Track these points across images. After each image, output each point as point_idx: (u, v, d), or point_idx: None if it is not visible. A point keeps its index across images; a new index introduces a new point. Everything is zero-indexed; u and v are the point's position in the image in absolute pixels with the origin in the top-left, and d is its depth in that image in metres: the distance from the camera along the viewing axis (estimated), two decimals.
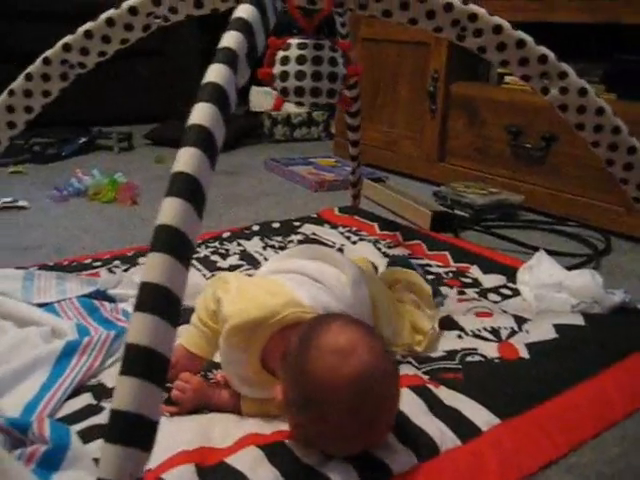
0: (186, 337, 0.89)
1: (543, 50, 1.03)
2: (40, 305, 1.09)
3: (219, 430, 0.81)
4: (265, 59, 0.97)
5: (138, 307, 0.54)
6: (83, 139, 2.40)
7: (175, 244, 0.57)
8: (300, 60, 0.95)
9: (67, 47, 1.05)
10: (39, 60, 1.06)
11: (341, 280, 0.91)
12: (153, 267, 0.55)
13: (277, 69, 0.96)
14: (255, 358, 0.81)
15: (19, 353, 0.91)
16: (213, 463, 0.74)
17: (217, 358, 0.99)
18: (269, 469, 0.73)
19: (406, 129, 2.25)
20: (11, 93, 1.08)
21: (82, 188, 1.88)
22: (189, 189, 0.59)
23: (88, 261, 1.33)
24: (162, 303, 0.55)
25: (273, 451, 0.76)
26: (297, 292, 0.83)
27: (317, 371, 0.71)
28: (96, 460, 0.69)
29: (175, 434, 0.78)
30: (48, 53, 1.06)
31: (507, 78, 2.01)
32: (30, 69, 1.07)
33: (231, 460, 0.74)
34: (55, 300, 1.11)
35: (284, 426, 0.82)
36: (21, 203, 1.76)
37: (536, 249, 1.54)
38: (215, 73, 0.64)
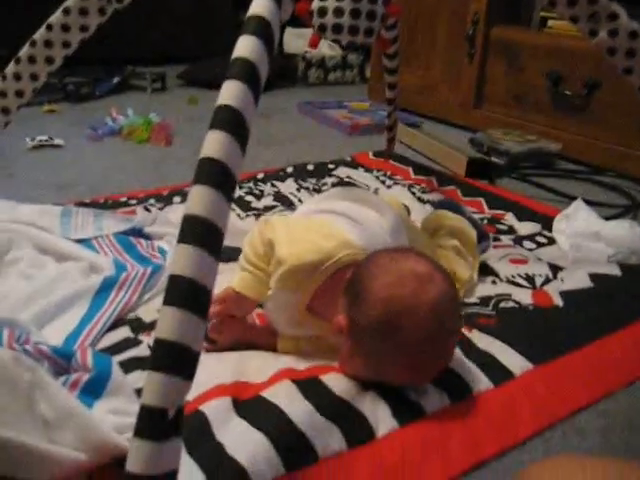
0: (237, 280, 0.87)
1: None
2: (78, 241, 1.10)
3: (254, 366, 0.82)
4: None
5: (181, 239, 0.54)
6: (117, 79, 2.39)
7: (219, 177, 0.57)
8: None
9: None
10: None
11: (382, 225, 0.91)
12: (196, 200, 0.55)
13: (315, 4, 0.94)
14: (306, 299, 0.81)
15: (59, 287, 0.92)
16: (249, 397, 0.75)
17: None
18: (304, 403, 0.74)
19: (443, 73, 2.21)
20: (49, 27, 1.07)
21: (116, 127, 1.88)
22: (233, 122, 0.58)
23: (124, 199, 1.34)
24: (205, 235, 0.55)
25: (308, 386, 0.77)
26: (348, 233, 0.83)
27: (398, 296, 0.73)
28: (137, 390, 0.71)
29: (211, 369, 0.80)
30: None
31: (550, 22, 1.95)
32: (67, 3, 1.06)
33: (266, 394, 0.75)
34: (92, 236, 1.12)
35: (318, 363, 0.83)
36: (57, 141, 1.77)
37: (573, 198, 1.51)
38: (259, 6, 0.63)
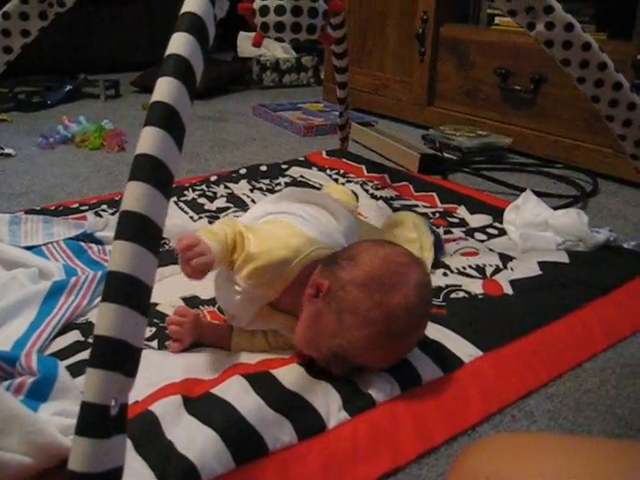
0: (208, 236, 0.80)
1: None
2: (27, 248, 1.09)
3: (206, 363, 0.82)
4: None
5: (118, 235, 0.54)
6: (69, 87, 2.36)
7: (154, 173, 0.57)
8: None
9: None
10: None
11: (337, 227, 0.93)
12: (132, 196, 0.55)
13: (257, 4, 0.95)
14: (276, 295, 0.82)
15: (7, 293, 0.91)
16: (199, 394, 0.75)
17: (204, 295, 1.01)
18: (254, 397, 0.74)
19: (395, 73, 2.23)
20: None
21: (69, 135, 1.86)
22: (168, 118, 0.58)
23: (75, 205, 1.33)
24: (142, 231, 0.55)
25: (258, 379, 0.77)
26: (309, 232, 0.85)
27: (391, 261, 0.77)
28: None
29: (161, 368, 0.80)
30: None
31: (497, 19, 1.98)
32: (7, 7, 1.05)
33: (217, 390, 0.75)
34: (42, 243, 1.11)
35: (270, 356, 0.84)
36: (7, 151, 1.74)
37: (524, 190, 1.55)
38: (192, 3, 0.63)
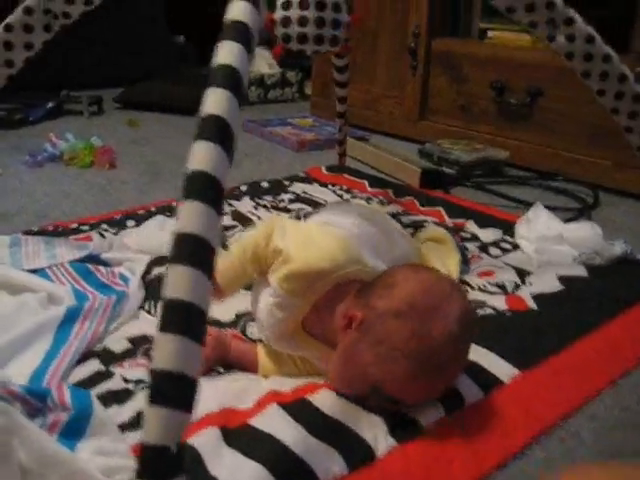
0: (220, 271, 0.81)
1: None
2: (31, 271, 1.03)
3: (238, 390, 0.78)
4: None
5: (174, 259, 0.50)
6: (51, 104, 2.30)
7: (209, 191, 0.53)
8: (303, 5, 0.90)
9: None
10: (20, 9, 0.99)
11: (386, 249, 0.88)
12: (189, 216, 0.51)
13: (278, 14, 0.92)
14: (306, 309, 0.78)
15: (18, 321, 0.86)
16: (237, 425, 0.71)
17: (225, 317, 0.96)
18: (296, 427, 0.70)
19: (387, 87, 2.21)
20: None
21: (57, 153, 1.80)
22: (220, 132, 0.55)
23: (74, 225, 1.28)
24: (198, 253, 0.51)
25: (297, 408, 0.73)
26: (361, 249, 0.80)
27: (431, 289, 0.72)
28: (120, 427, 0.66)
29: None
30: (29, 2, 0.99)
31: (490, 33, 1.98)
32: (10, 19, 1.00)
33: (255, 421, 0.71)
34: (46, 265, 1.06)
35: (302, 382, 0.80)
36: None
37: (527, 204, 1.54)
38: (238, 9, 0.59)
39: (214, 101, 0.55)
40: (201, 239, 0.51)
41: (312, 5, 0.88)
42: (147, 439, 0.47)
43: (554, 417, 0.79)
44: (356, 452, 0.68)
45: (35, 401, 0.63)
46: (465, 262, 1.14)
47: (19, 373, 0.77)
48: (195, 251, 0.51)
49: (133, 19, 2.89)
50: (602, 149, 1.70)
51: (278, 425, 0.70)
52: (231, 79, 0.57)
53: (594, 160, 1.72)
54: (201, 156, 0.54)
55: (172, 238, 0.51)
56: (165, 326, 0.49)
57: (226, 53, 0.58)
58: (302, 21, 0.88)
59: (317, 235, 0.80)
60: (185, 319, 0.50)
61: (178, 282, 0.50)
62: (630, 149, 1.61)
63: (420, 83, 2.10)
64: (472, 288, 1.09)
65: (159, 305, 0.50)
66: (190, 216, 0.52)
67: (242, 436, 0.69)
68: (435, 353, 0.69)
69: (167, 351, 0.48)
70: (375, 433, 0.71)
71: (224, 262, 0.82)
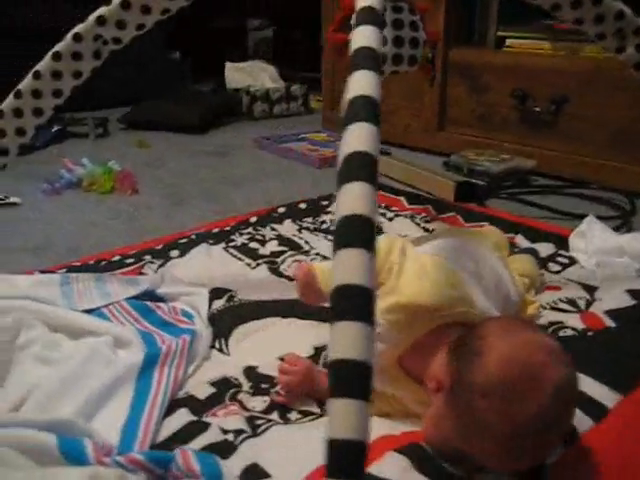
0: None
1: (620, 6, 0.97)
2: (86, 311, 0.98)
3: None
4: (335, 22, 0.87)
5: (340, 316, 0.45)
6: (56, 127, 2.23)
7: (368, 235, 0.48)
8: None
9: (101, 20, 0.93)
10: (69, 36, 0.94)
11: (493, 290, 0.84)
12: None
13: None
14: (406, 345, 0.73)
15: (93, 370, 0.80)
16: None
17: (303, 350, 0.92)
18: (418, 476, 0.66)
19: (403, 98, 2.18)
20: (37, 75, 0.95)
21: (74, 179, 1.74)
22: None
23: (117, 258, 1.22)
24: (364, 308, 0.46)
25: (415, 454, 0.68)
26: (472, 290, 0.76)
27: (525, 361, 0.64)
28: None
29: (300, 443, 0.71)
30: (78, 28, 0.94)
31: (508, 41, 1.96)
32: (58, 47, 0.94)
33: (375, 469, 0.66)
34: (101, 305, 1.00)
35: (408, 427, 0.75)
36: (12, 200, 1.61)
37: (567, 214, 1.51)
38: (364, 35, 0.55)
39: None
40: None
41: (389, 24, 0.84)
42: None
43: None
44: None
45: (156, 468, 0.58)
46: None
47: (107, 429, 0.72)
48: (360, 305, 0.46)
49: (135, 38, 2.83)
50: (630, 155, 1.68)
51: (401, 474, 0.66)
52: (370, 110, 0.53)
53: (622, 166, 1.70)
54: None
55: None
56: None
57: (361, 83, 0.53)
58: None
59: (430, 267, 0.75)
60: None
61: (348, 341, 0.45)
62: None
63: (438, 93, 2.06)
64: (543, 307, 1.06)
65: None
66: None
67: None
68: (526, 434, 0.63)
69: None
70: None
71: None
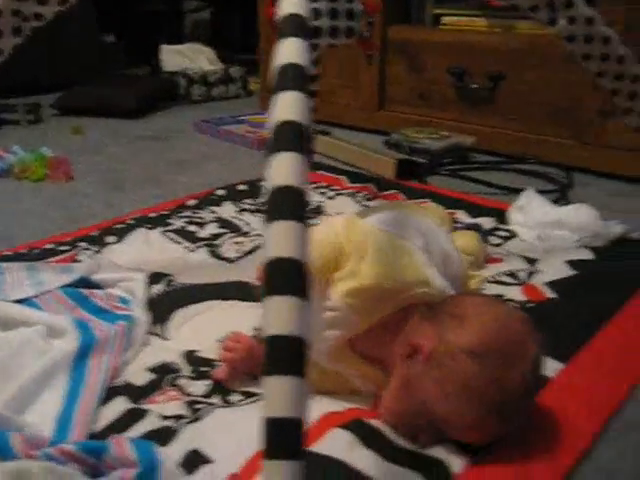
0: None
1: None
2: (17, 301, 0.94)
3: None
4: None
5: (272, 291, 0.44)
6: None
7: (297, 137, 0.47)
8: None
9: None
10: None
11: (452, 271, 0.84)
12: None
13: None
14: (363, 328, 0.71)
15: (25, 362, 0.77)
16: None
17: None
18: (365, 451, 0.65)
19: (342, 78, 2.16)
20: None
21: (4, 167, 1.67)
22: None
23: (50, 246, 1.17)
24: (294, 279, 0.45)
25: (360, 430, 0.68)
26: (429, 269, 0.74)
27: (511, 327, 0.66)
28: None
29: (240, 427, 0.69)
30: None
31: (444, 19, 1.96)
32: None
33: (319, 448, 0.65)
34: (33, 294, 0.96)
35: (353, 404, 0.74)
36: None
37: (506, 189, 1.53)
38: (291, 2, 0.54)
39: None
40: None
41: None
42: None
43: (611, 407, 0.77)
44: (434, 472, 0.64)
45: (90, 458, 0.55)
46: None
47: (42, 419, 0.69)
48: (289, 278, 0.45)
49: (62, 22, 2.73)
50: (567, 129, 1.71)
51: (346, 451, 0.65)
52: (297, 77, 0.51)
53: (559, 141, 1.73)
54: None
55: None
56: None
57: (288, 50, 0.51)
58: (315, 13, 0.82)
59: (390, 249, 0.73)
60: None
61: (281, 315, 0.44)
62: (592, 127, 1.63)
63: (377, 72, 2.06)
64: (487, 281, 1.06)
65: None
66: (281, 237, 0.45)
67: (310, 466, 0.63)
68: (513, 401, 0.64)
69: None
70: (447, 450, 0.66)
71: None
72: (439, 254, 0.83)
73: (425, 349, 0.66)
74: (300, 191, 0.47)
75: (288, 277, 0.44)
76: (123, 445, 0.55)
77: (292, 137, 0.49)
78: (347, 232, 0.73)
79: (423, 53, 1.96)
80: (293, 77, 0.50)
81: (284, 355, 0.44)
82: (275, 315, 0.44)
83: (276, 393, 0.43)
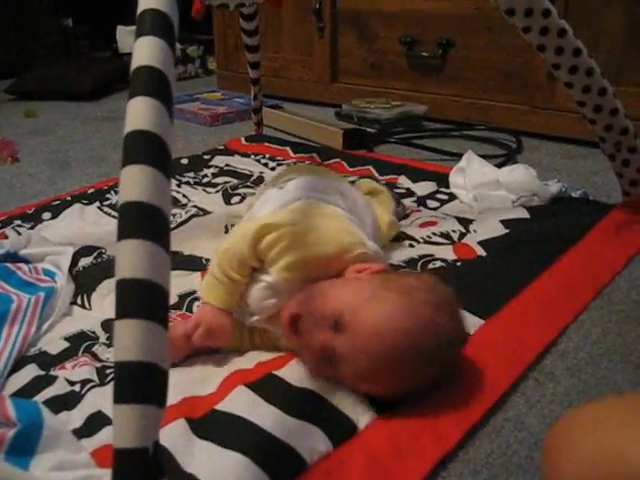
0: (213, 295, 0.74)
1: None
2: None
3: (197, 376, 0.72)
4: None
5: (125, 234, 0.44)
6: None
7: (153, 151, 0.46)
8: None
9: None
10: None
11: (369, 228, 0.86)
12: (131, 185, 0.45)
13: None
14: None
15: None
16: (204, 413, 0.65)
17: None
18: (269, 408, 0.65)
19: (294, 52, 2.14)
20: None
21: None
22: (156, 85, 0.48)
23: None
24: (151, 226, 0.44)
25: (265, 387, 0.68)
26: (360, 230, 0.76)
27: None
28: (74, 431, 0.58)
29: None
30: None
31: None
32: None
33: (223, 406, 0.65)
34: None
35: (265, 356, 0.74)
36: None
37: (454, 155, 1.52)
38: None
39: (147, 51, 0.48)
40: (151, 206, 0.45)
41: None
42: (119, 444, 0.40)
43: (526, 360, 0.77)
44: (338, 427, 0.64)
45: None
46: (400, 208, 1.14)
47: None
48: (145, 223, 0.44)
49: (21, 4, 2.70)
50: (516, 94, 1.70)
51: (248, 407, 0.65)
52: (162, 25, 0.50)
53: (508, 106, 1.73)
54: (139, 114, 0.47)
55: (120, 209, 0.44)
56: (124, 312, 0.42)
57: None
58: None
59: (313, 217, 0.74)
60: (146, 301, 0.43)
61: (133, 259, 0.43)
62: (541, 90, 1.63)
63: (328, 45, 2.04)
64: (417, 242, 1.06)
65: (114, 288, 0.43)
66: (135, 184, 0.45)
67: (212, 425, 0.63)
68: (414, 356, 0.64)
69: (129, 339, 0.42)
70: (354, 405, 0.66)
71: (216, 290, 0.74)
72: (360, 214, 0.84)
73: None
74: (156, 136, 0.46)
75: (141, 221, 0.44)
76: (5, 404, 0.55)
77: (151, 82, 0.48)
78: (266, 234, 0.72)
79: (373, 23, 1.95)
80: (153, 23, 0.49)
81: (139, 301, 0.43)
82: (128, 259, 0.43)
83: (130, 337, 0.43)
